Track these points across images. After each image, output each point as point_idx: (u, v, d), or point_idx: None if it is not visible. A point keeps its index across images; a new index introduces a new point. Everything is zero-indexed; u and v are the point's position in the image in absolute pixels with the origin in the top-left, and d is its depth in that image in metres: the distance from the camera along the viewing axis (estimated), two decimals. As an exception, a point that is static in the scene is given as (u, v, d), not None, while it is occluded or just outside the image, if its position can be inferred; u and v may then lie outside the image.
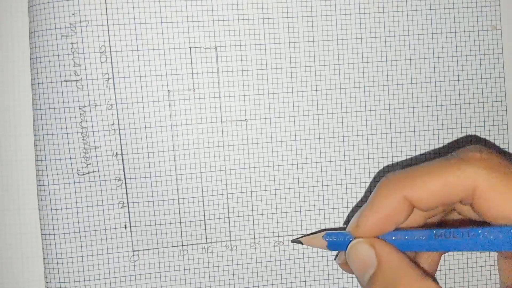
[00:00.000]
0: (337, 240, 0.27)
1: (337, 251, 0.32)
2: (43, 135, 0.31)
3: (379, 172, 0.33)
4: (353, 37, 0.32)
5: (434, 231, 0.24)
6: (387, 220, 0.24)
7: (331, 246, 0.28)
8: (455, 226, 0.27)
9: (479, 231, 0.22)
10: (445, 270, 0.33)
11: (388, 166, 0.33)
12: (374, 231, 0.25)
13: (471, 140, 0.33)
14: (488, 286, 0.33)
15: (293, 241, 0.32)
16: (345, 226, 0.33)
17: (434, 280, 0.23)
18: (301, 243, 0.30)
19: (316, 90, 0.32)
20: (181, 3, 0.31)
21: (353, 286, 0.33)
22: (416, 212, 0.25)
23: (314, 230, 0.33)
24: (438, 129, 0.33)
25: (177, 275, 0.32)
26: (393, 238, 0.25)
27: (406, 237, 0.24)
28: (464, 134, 0.33)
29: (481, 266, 0.33)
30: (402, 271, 0.23)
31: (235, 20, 0.32)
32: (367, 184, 0.33)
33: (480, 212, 0.23)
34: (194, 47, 0.31)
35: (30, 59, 0.31)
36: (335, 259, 0.32)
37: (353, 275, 0.32)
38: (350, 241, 0.26)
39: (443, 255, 0.30)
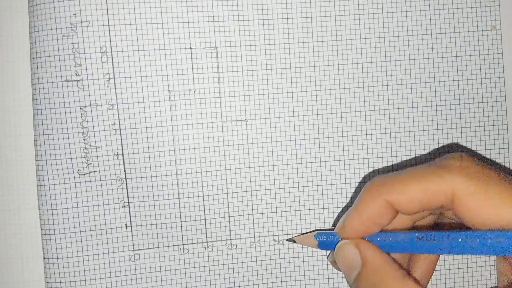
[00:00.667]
0: (326, 240, 0.28)
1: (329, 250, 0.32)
2: (43, 135, 0.31)
3: (374, 172, 0.33)
4: (353, 37, 0.32)
5: (417, 234, 0.24)
6: (371, 222, 0.25)
7: (321, 246, 0.29)
8: (446, 229, 0.27)
9: (458, 236, 0.23)
10: (444, 270, 0.33)
11: (388, 166, 0.33)
12: (359, 232, 0.25)
13: (454, 147, 0.33)
14: (487, 286, 0.33)
15: (287, 240, 0.32)
16: (333, 227, 0.33)
17: (417, 282, 0.23)
18: (294, 241, 0.32)
19: (316, 90, 0.32)
20: (182, 4, 0.31)
21: (353, 285, 0.33)
22: (402, 215, 0.25)
23: (313, 230, 0.33)
24: (438, 129, 0.33)
25: (178, 274, 0.32)
26: (378, 239, 0.25)
27: (390, 239, 0.25)
28: (464, 134, 0.33)
29: (480, 266, 0.33)
30: (385, 272, 0.24)
31: (235, 21, 0.32)
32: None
33: (460, 218, 0.23)
34: (194, 48, 0.32)
35: (31, 59, 0.31)
36: (327, 258, 0.33)
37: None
38: (338, 241, 0.26)
39: (441, 255, 0.30)
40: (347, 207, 0.33)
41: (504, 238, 0.21)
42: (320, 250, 0.32)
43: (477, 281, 0.33)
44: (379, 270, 0.24)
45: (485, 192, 0.22)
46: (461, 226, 0.27)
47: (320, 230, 0.30)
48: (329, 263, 0.32)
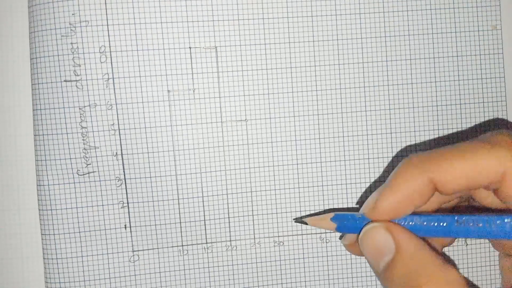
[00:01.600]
0: (347, 223, 0.26)
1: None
2: (43, 135, 0.31)
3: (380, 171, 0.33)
4: (353, 37, 0.32)
5: (456, 218, 0.23)
6: (407, 202, 0.23)
7: (340, 229, 0.26)
8: (466, 213, 0.26)
9: (506, 220, 0.21)
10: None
11: (388, 166, 0.33)
12: (391, 213, 0.24)
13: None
14: (489, 286, 0.33)
15: (296, 220, 0.30)
16: (357, 206, 0.33)
17: (457, 269, 0.22)
18: (305, 223, 0.29)
19: (316, 90, 0.32)
20: (181, 3, 0.31)
21: (353, 286, 0.33)
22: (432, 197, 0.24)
23: (314, 230, 0.33)
24: (438, 129, 0.33)
25: (177, 275, 0.32)
26: (411, 223, 0.24)
27: (424, 223, 0.23)
28: (464, 134, 0.33)
29: (481, 266, 0.33)
30: (423, 259, 0.22)
31: (235, 20, 0.32)
32: (367, 184, 0.33)
33: (506, 198, 0.22)
34: (194, 47, 0.31)
35: (30, 59, 0.31)
36: (340, 239, 0.32)
37: (360, 262, 0.32)
38: (364, 224, 0.24)
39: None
40: (347, 207, 0.33)
41: None
42: (321, 241, 0.31)
43: (478, 281, 0.33)
44: (416, 256, 0.22)
45: None
46: (486, 210, 0.25)
47: (336, 210, 0.29)
48: (343, 245, 0.30)
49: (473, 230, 0.22)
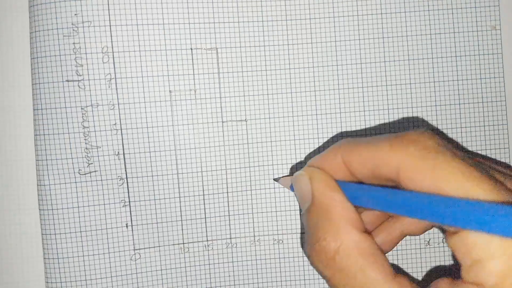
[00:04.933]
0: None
1: None
2: (44, 135, 0.31)
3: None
4: (352, 38, 0.32)
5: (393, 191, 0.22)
6: (328, 171, 0.25)
7: (292, 188, 0.28)
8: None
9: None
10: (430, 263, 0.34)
11: None
12: None
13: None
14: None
15: (274, 179, 0.33)
16: None
17: (363, 225, 0.23)
18: (277, 181, 0.32)
19: (316, 91, 0.32)
20: (183, 5, 0.31)
21: (352, 285, 0.33)
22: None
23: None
24: (438, 129, 0.33)
25: (178, 273, 0.32)
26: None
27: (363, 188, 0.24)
28: (464, 134, 0.33)
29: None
30: (330, 215, 0.23)
31: (235, 22, 0.32)
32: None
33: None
34: (195, 49, 0.32)
35: (32, 58, 0.31)
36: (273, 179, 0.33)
37: None
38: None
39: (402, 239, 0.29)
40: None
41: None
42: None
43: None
44: (326, 210, 0.24)
45: (432, 169, 0.21)
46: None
47: None
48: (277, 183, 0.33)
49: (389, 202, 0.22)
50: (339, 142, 0.25)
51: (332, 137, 0.33)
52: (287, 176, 0.32)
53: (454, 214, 0.19)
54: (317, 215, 0.24)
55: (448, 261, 0.33)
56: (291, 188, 0.28)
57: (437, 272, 0.33)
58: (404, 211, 0.21)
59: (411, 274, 0.33)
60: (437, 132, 0.33)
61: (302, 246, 0.33)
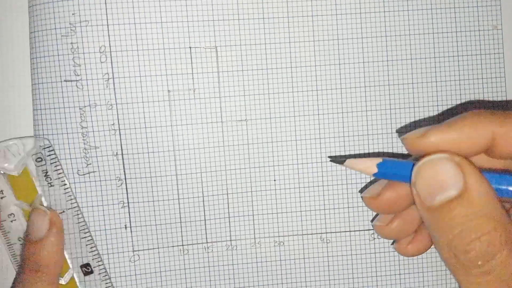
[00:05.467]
0: (391, 170, 0.24)
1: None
2: (43, 135, 0.31)
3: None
4: (353, 36, 0.32)
5: None
6: (460, 146, 0.21)
7: (380, 174, 0.24)
8: None
9: None
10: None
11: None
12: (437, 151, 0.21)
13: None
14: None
15: (331, 158, 0.28)
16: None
17: None
18: (341, 163, 0.26)
19: (316, 90, 0.32)
20: (181, 3, 0.31)
21: (353, 286, 0.33)
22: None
23: (314, 230, 0.33)
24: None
25: (178, 275, 0.32)
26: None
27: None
28: None
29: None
30: (493, 205, 0.19)
31: (235, 20, 0.32)
32: (367, 185, 0.33)
33: None
34: (194, 47, 0.32)
35: (33, 58, 0.31)
36: (359, 192, 0.32)
37: (361, 262, 0.33)
38: (413, 164, 0.22)
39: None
40: (347, 207, 0.33)
41: None
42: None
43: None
44: (487, 201, 0.19)
45: None
46: None
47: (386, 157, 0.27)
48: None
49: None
50: (477, 111, 0.21)
51: (333, 137, 0.33)
52: (358, 159, 0.26)
53: None
54: (474, 206, 0.20)
55: None
56: (378, 174, 0.24)
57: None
58: None
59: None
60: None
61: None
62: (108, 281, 0.31)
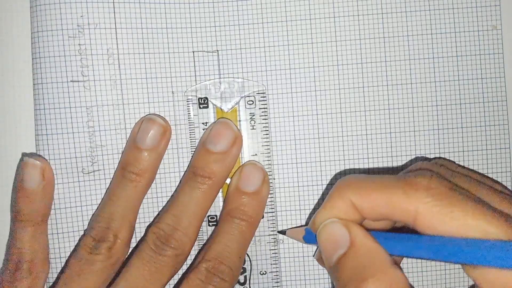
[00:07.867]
0: (310, 236, 0.28)
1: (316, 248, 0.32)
2: (47, 134, 0.31)
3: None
4: (353, 38, 0.32)
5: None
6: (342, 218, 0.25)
7: (307, 239, 0.29)
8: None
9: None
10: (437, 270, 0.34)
11: (388, 166, 0.33)
12: None
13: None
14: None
15: (279, 231, 0.33)
16: None
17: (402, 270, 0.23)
18: (284, 233, 0.32)
19: (316, 91, 0.33)
20: (185, 10, 0.32)
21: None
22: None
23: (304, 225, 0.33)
24: (438, 129, 0.33)
25: (180, 274, 0.32)
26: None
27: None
28: (464, 134, 0.33)
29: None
30: (374, 255, 0.23)
31: (236, 25, 0.32)
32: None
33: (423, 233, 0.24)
34: (197, 51, 0.32)
35: (35, 58, 0.31)
36: (313, 256, 0.33)
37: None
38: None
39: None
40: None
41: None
42: (306, 244, 0.32)
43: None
44: (369, 252, 0.24)
45: (449, 214, 0.22)
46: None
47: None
48: (315, 260, 0.33)
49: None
50: (340, 183, 0.26)
51: (333, 137, 0.33)
52: (295, 228, 0.32)
53: (476, 254, 0.21)
54: (359, 257, 0.24)
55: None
56: (306, 239, 0.28)
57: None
58: (429, 254, 0.23)
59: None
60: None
61: None
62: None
